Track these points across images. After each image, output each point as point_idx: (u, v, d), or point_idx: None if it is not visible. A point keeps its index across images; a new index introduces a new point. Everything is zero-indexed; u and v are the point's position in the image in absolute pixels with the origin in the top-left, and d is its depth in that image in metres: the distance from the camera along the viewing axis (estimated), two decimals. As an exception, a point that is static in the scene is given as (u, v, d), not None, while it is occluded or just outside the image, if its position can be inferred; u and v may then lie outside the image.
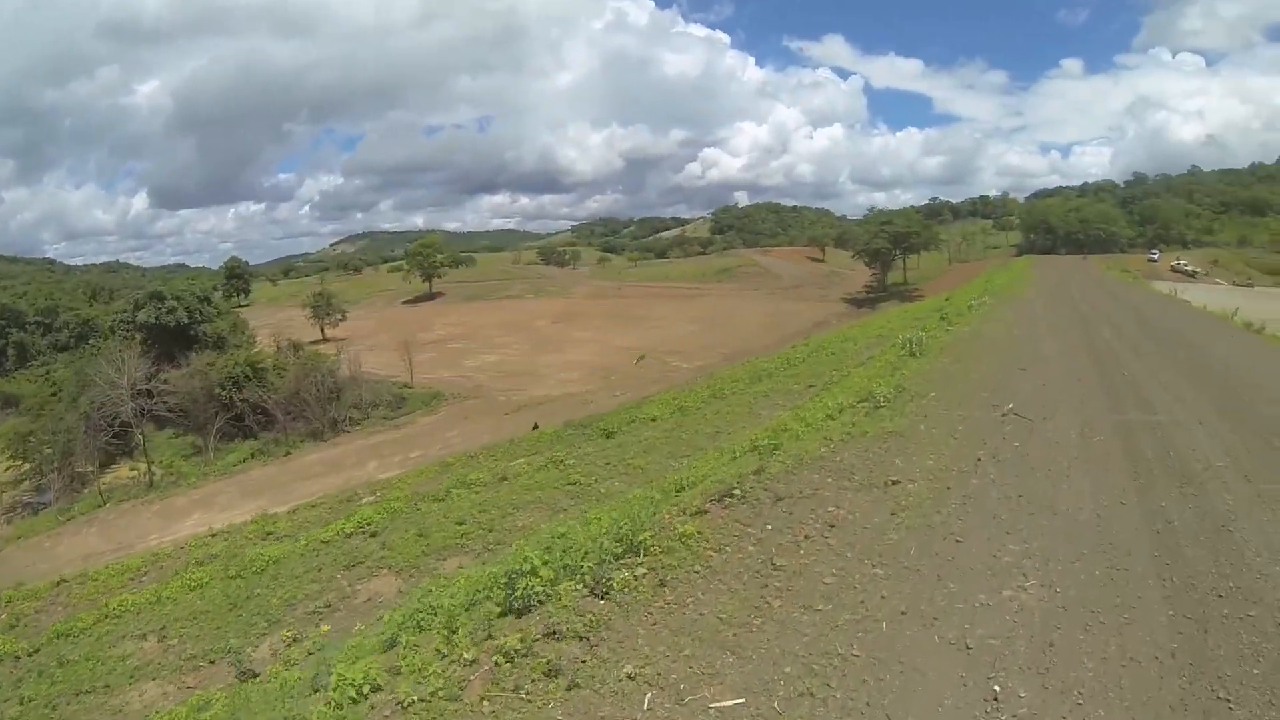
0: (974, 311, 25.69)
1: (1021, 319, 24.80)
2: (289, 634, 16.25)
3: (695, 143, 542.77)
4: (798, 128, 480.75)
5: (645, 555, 7.31)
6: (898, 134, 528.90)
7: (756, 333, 76.80)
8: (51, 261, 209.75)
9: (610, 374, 61.28)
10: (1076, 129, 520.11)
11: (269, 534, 27.46)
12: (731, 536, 7.61)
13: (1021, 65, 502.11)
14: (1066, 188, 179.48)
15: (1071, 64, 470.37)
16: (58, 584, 26.57)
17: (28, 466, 44.58)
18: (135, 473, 45.63)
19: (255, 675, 14.06)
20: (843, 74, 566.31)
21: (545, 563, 7.26)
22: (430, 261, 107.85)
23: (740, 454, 12.28)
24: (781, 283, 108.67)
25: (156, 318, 52.83)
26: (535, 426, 40.32)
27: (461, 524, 20.43)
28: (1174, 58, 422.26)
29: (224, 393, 48.62)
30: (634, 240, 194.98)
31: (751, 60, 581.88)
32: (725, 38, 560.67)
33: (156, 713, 13.90)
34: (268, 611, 18.10)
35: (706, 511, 8.34)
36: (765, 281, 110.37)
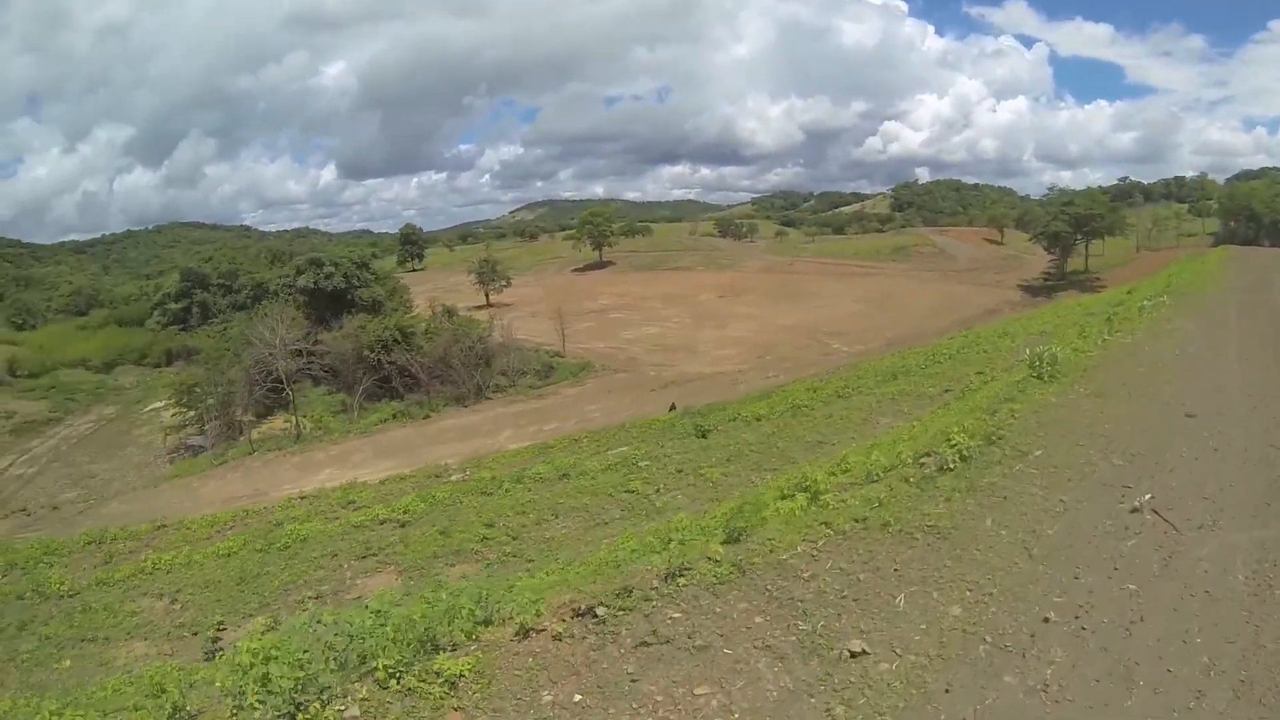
0: (1144, 315, 19.24)
1: (1203, 332, 17.44)
2: (265, 621, 15.49)
3: (875, 115, 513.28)
4: (980, 100, 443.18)
5: (374, 689, 4.74)
6: (1085, 107, 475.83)
7: (924, 317, 70.23)
8: (247, 228, 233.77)
9: (768, 352, 57.96)
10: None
11: (350, 502, 27.16)
12: (502, 701, 4.43)
13: (1223, 28, 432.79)
14: (1275, 169, 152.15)
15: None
16: (158, 528, 27.69)
17: (191, 414, 47.54)
18: (288, 425, 47.79)
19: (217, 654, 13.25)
20: (1026, 42, 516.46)
21: (255, 662, 4.76)
22: (600, 230, 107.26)
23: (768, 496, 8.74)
24: (956, 264, 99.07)
25: (315, 283, 54.89)
26: (673, 407, 38.21)
27: (490, 526, 18.86)
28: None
29: (372, 355, 49.50)
30: (813, 214, 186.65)
31: (930, 28, 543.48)
32: (903, 5, 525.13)
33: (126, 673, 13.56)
34: (264, 593, 17.93)
35: (532, 635, 5.15)
36: (940, 262, 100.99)
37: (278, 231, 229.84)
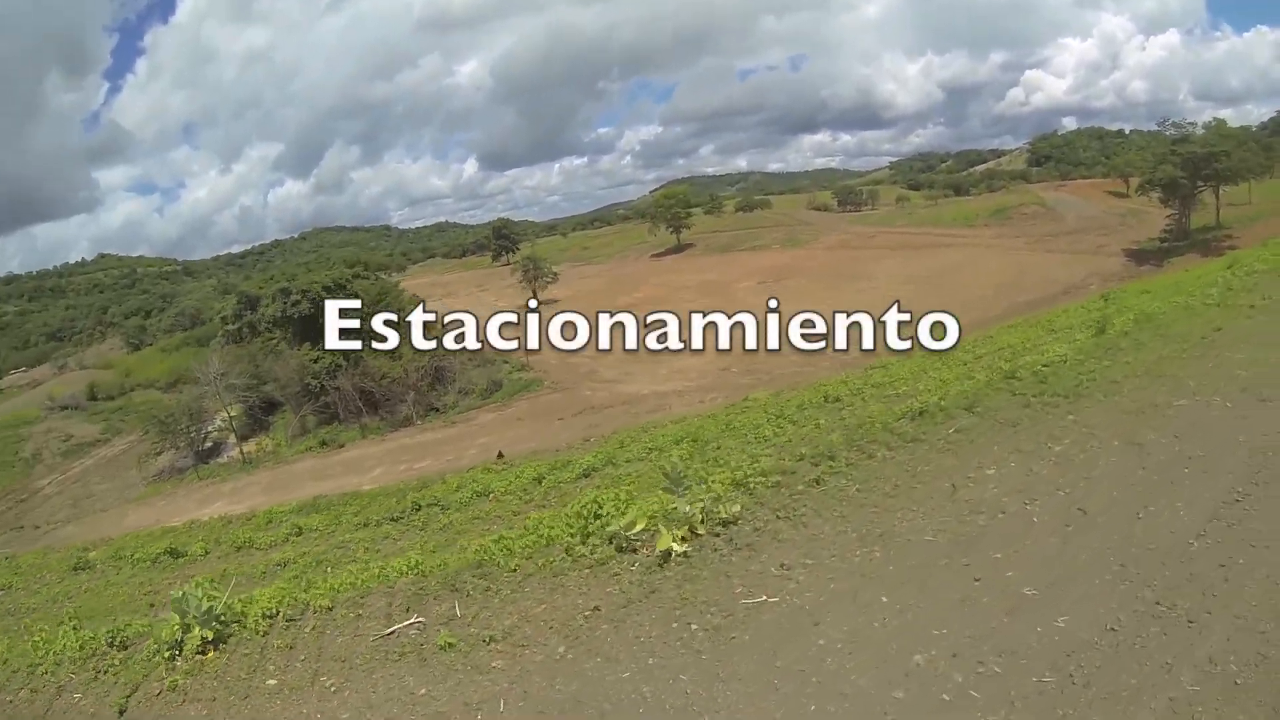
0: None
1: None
2: None
3: (1016, 65, 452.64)
4: (1127, 38, 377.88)
5: None
6: (1244, 35, 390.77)
7: (978, 301, 60.11)
8: (388, 227, 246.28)
9: (740, 361, 52.80)
10: None
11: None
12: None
13: None
14: None
15: None
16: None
17: (165, 441, 52.09)
18: (261, 447, 51.69)
19: None
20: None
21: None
22: (674, 213, 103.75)
23: None
24: (1062, 226, 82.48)
25: (283, 312, 57.44)
26: (500, 455, 35.45)
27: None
28: None
29: (315, 382, 51.59)
30: (948, 175, 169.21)
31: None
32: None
33: None
34: None
35: None
36: (1040, 225, 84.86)
37: (418, 228, 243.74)
